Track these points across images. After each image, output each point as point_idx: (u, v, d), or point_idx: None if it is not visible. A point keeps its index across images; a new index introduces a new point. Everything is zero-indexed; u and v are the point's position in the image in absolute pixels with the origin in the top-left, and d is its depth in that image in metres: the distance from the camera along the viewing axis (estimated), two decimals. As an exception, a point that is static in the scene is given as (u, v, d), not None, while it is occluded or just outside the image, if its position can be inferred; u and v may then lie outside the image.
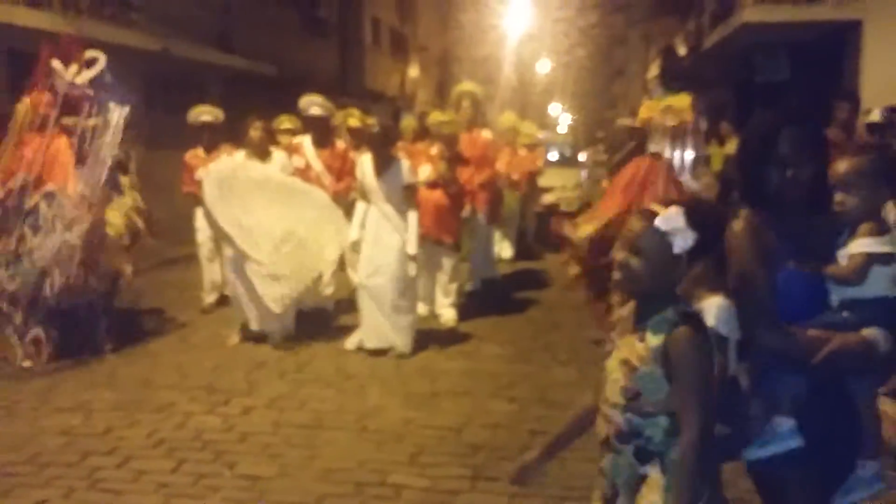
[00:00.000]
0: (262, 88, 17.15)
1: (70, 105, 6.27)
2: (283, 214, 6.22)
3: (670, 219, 2.30)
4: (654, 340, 2.09)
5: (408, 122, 9.48)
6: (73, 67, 6.24)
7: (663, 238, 2.08)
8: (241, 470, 4.14)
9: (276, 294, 6.18)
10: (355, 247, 6.44)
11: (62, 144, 6.20)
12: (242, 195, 6.19)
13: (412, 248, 6.21)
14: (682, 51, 18.54)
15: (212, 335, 6.82)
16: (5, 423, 4.84)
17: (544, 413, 5.03)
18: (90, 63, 6.30)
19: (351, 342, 6.44)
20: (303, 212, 6.34)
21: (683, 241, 2.59)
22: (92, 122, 6.47)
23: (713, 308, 2.93)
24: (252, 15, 18.83)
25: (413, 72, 30.92)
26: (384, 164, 6.27)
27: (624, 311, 2.23)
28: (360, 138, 9.06)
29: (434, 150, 7.29)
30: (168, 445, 4.46)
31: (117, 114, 6.30)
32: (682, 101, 6.81)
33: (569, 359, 6.24)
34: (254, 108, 7.31)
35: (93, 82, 6.31)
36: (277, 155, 6.98)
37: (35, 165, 6.08)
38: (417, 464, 4.27)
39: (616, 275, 2.16)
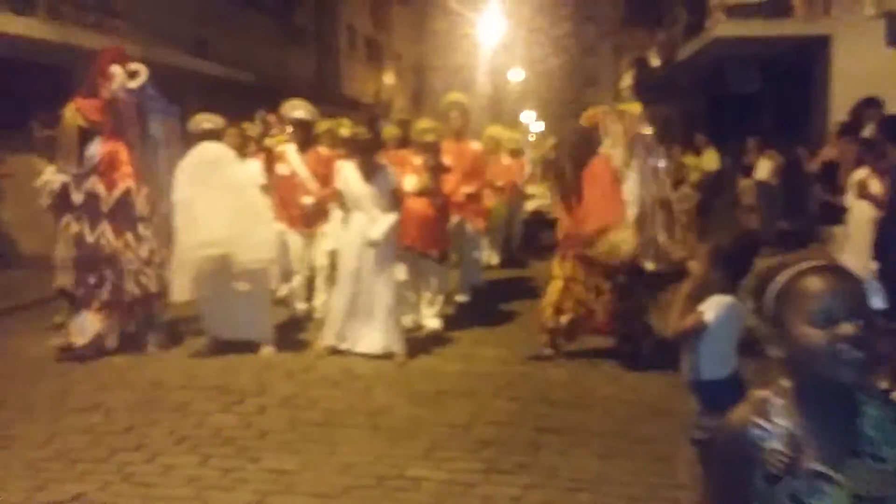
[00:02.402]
0: (240, 96, 17.23)
1: (115, 111, 6.61)
2: (229, 222, 6.26)
3: None
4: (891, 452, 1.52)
5: (389, 129, 9.64)
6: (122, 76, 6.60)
7: None
8: (265, 464, 4.34)
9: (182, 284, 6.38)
10: (333, 256, 6.58)
11: (121, 148, 6.61)
12: (210, 185, 6.32)
13: (376, 234, 6.28)
14: (655, 62, 19.02)
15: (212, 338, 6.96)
16: (26, 422, 4.98)
17: (546, 411, 5.29)
18: (134, 74, 6.58)
19: (324, 344, 6.52)
20: (249, 232, 6.33)
21: None
22: None
23: (713, 304, 3.24)
24: (229, 22, 18.94)
25: (388, 79, 31.16)
26: (372, 169, 6.45)
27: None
28: (352, 148, 9.24)
29: (418, 160, 7.30)
30: (191, 442, 4.64)
31: (167, 122, 6.76)
32: (634, 107, 7.20)
33: (563, 360, 6.50)
34: (231, 115, 7.51)
35: (139, 92, 6.66)
36: (252, 163, 7.12)
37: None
38: (432, 458, 4.49)
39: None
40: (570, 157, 6.52)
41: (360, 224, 6.42)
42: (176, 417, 5.03)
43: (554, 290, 6.47)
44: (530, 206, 12.82)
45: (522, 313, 8.40)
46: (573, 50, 36.15)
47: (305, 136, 7.56)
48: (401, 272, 7.40)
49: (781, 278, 1.57)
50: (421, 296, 7.53)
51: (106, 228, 6.51)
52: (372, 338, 6.44)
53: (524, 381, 5.99)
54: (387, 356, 6.40)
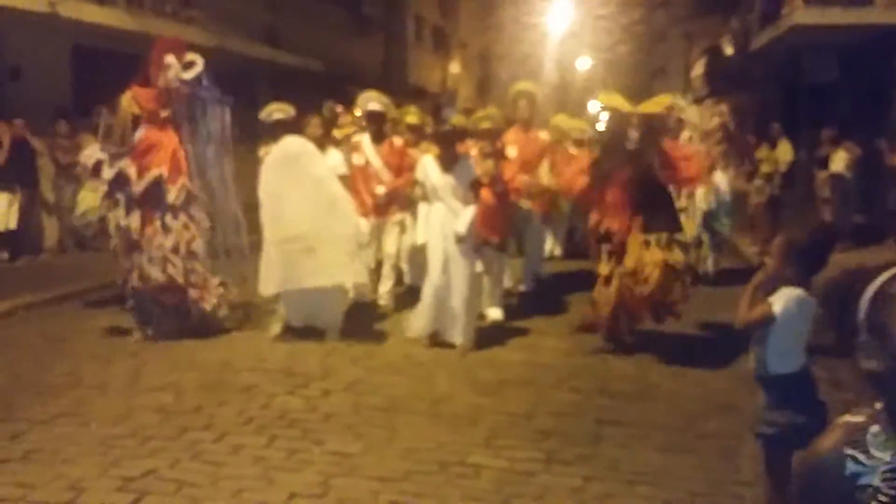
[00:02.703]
0: (309, 84, 17.49)
1: (169, 100, 6.69)
2: (311, 217, 6.34)
3: None
4: None
5: (457, 119, 9.66)
6: (177, 66, 6.68)
7: None
8: (329, 447, 4.42)
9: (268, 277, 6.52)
10: (422, 248, 6.65)
11: (166, 136, 6.69)
12: (293, 179, 6.42)
13: (462, 228, 6.31)
14: (728, 51, 18.56)
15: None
16: (100, 401, 5.16)
17: (608, 403, 5.25)
18: (189, 64, 6.68)
19: (413, 331, 6.62)
20: (330, 227, 6.40)
21: None
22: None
23: (783, 296, 3.15)
24: (299, 11, 19.20)
25: (454, 68, 31.18)
26: (452, 160, 6.48)
27: None
28: (419, 135, 9.33)
29: (474, 150, 7.29)
30: (258, 423, 4.75)
31: (220, 112, 6.80)
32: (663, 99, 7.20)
33: (625, 353, 6.42)
34: (301, 103, 7.64)
35: (194, 82, 6.71)
36: (334, 153, 7.19)
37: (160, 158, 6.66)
38: (493, 446, 4.51)
39: None
40: (638, 146, 6.48)
41: (441, 215, 6.47)
42: (244, 399, 5.16)
43: (603, 286, 6.41)
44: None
45: (585, 305, 8.34)
46: (643, 37, 35.48)
47: (379, 128, 7.68)
48: (478, 264, 7.40)
49: (879, 280, 1.34)
50: (483, 284, 7.54)
51: (136, 214, 6.59)
52: (453, 327, 6.48)
53: (586, 372, 5.96)
54: (449, 344, 6.44)
